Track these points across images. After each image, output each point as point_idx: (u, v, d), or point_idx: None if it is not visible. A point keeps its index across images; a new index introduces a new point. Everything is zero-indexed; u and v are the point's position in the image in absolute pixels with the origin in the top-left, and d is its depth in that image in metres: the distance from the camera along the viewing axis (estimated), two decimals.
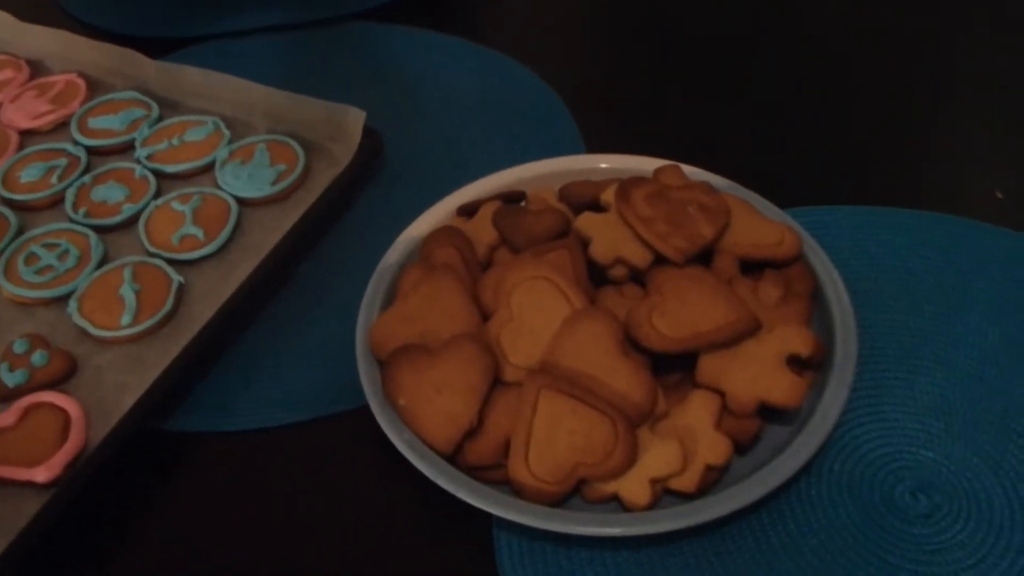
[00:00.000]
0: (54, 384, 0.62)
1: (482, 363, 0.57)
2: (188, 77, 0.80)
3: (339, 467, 0.60)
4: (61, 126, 0.80)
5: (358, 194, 0.74)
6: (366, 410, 0.58)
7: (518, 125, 0.81)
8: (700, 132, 0.79)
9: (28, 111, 0.80)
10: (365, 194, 0.74)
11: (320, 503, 0.58)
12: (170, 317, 0.65)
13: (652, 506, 0.53)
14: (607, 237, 0.61)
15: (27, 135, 0.79)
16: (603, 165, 0.70)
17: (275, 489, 0.59)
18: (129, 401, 0.60)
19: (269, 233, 0.70)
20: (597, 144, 0.76)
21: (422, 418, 0.56)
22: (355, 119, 0.73)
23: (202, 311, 0.65)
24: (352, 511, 0.58)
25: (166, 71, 0.80)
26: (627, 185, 0.62)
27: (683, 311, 0.57)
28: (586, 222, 0.62)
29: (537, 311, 0.58)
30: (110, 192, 0.73)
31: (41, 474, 0.57)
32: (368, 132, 0.73)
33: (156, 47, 0.85)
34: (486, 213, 0.66)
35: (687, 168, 0.66)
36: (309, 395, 0.63)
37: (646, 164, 0.69)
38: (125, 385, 0.62)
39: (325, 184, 0.72)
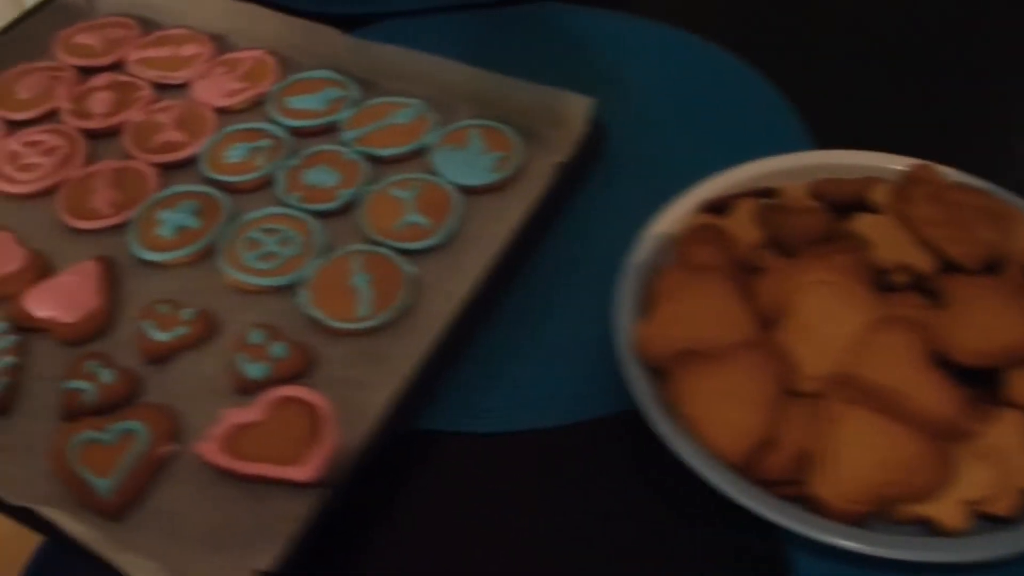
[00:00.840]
0: (294, 378, 0.60)
1: (771, 371, 0.54)
2: (386, 56, 0.76)
3: (596, 476, 0.57)
4: (255, 105, 0.77)
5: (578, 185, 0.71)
6: (624, 416, 0.55)
7: (726, 114, 0.77)
8: (933, 124, 0.75)
9: (220, 88, 0.77)
10: (583, 185, 0.71)
11: (576, 513, 0.55)
12: (404, 309, 0.62)
13: (966, 531, 0.50)
14: (889, 240, 0.57)
15: (220, 113, 0.76)
16: (851, 161, 0.66)
17: (526, 496, 0.56)
18: (379, 399, 0.58)
19: (492, 223, 0.67)
20: (827, 137, 0.73)
21: (709, 428, 0.53)
22: (579, 106, 0.70)
23: (438, 304, 0.62)
24: (614, 523, 0.55)
25: (362, 49, 0.77)
26: (907, 185, 0.59)
27: (987, 323, 0.54)
28: (864, 224, 0.58)
29: (827, 317, 0.55)
30: (321, 176, 0.70)
31: (301, 473, 0.54)
32: (592, 121, 0.70)
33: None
34: (743, 211, 0.62)
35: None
36: (558, 398, 0.60)
37: (886, 161, 0.65)
38: (366, 381, 0.59)
39: (545, 173, 0.68)
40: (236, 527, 0.53)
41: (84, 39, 0.83)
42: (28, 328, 0.63)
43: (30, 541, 0.55)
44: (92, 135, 0.75)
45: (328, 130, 0.75)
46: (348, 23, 0.83)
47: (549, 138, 0.71)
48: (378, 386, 0.58)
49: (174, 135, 0.74)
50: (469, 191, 0.69)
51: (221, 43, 0.82)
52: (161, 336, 0.61)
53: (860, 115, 0.76)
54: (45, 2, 0.86)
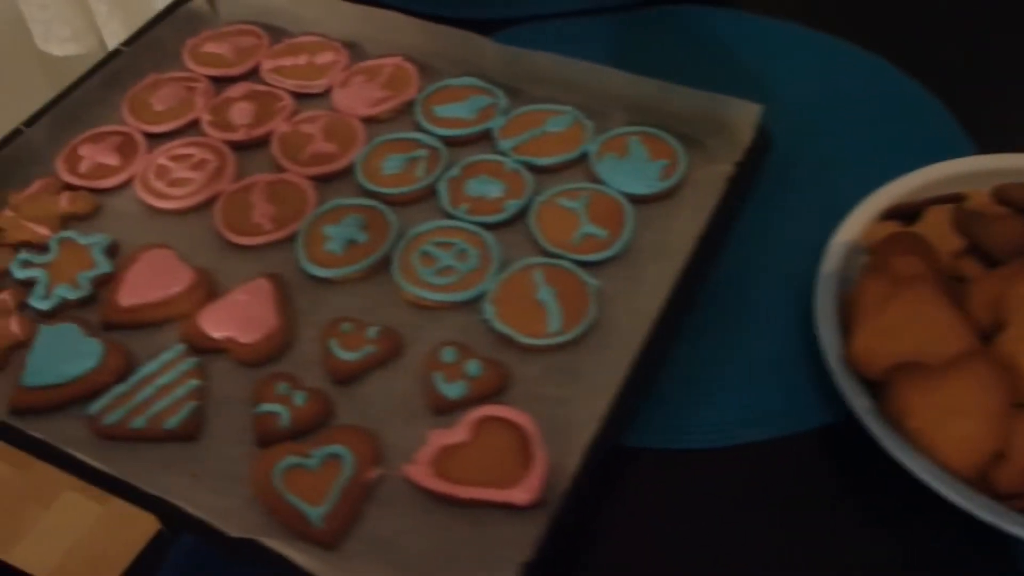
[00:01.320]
0: (490, 396, 0.58)
1: (998, 383, 0.53)
2: (534, 62, 0.75)
3: (805, 490, 0.56)
4: (399, 114, 0.75)
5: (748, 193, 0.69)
6: (829, 429, 0.55)
7: (876, 115, 0.76)
8: None
9: (364, 97, 0.76)
10: (753, 193, 0.70)
11: (787, 528, 0.54)
12: (593, 324, 0.61)
13: None
14: None
15: (366, 123, 0.75)
16: None
17: (735, 512, 0.55)
18: (584, 416, 0.56)
19: (667, 234, 0.66)
20: (986, 140, 0.72)
21: (937, 442, 0.52)
22: (746, 113, 0.68)
23: (627, 318, 0.61)
24: (828, 538, 0.54)
25: (509, 55, 0.75)
26: None
27: None
28: None
29: None
30: (484, 187, 0.69)
31: (521, 495, 0.53)
32: (758, 128, 0.69)
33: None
34: (937, 218, 0.61)
35: None
36: (760, 412, 0.59)
37: None
38: (566, 398, 0.58)
39: (716, 181, 0.67)
40: (457, 553, 0.52)
41: (214, 48, 0.81)
42: (205, 349, 0.62)
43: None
44: (237, 147, 0.73)
45: (479, 139, 0.73)
46: (480, 28, 0.81)
47: (711, 145, 0.70)
48: (580, 403, 0.57)
49: (325, 146, 0.72)
50: (637, 200, 0.68)
51: (354, 50, 0.81)
52: (348, 356, 0.60)
53: (1014, 118, 0.75)
54: (168, 10, 0.84)
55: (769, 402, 0.59)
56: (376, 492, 0.55)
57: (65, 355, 0.61)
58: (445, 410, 0.58)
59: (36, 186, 0.71)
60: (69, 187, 0.72)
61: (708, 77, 0.72)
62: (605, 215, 0.66)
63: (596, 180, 0.69)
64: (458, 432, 0.56)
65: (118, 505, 0.54)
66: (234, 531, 0.52)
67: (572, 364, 0.60)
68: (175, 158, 0.72)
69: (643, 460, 0.58)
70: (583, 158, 0.71)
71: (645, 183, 0.68)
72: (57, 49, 1.37)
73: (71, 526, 0.54)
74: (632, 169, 0.69)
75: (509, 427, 0.56)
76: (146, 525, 0.54)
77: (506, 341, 0.61)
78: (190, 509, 0.53)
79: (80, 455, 0.56)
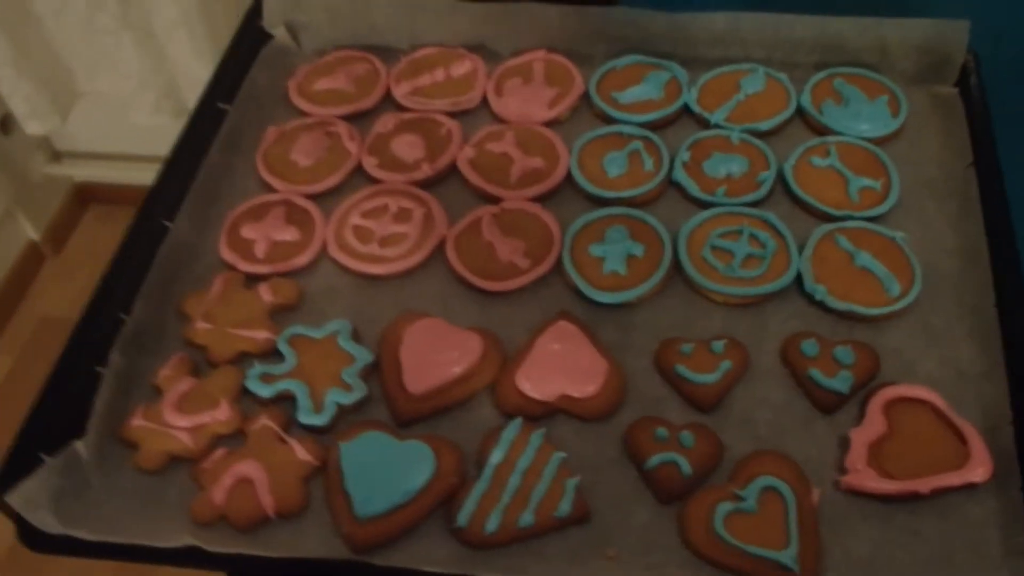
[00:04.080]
0: (870, 379, 0.54)
1: None
2: (711, 23, 0.69)
3: None
4: (577, 110, 0.69)
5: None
6: None
7: None
8: None
9: (533, 100, 0.68)
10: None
11: None
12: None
13: None
14: None
15: (549, 126, 0.67)
16: None
17: None
18: (976, 371, 0.54)
19: (926, 167, 0.64)
20: None
21: None
22: (951, 32, 0.66)
23: (947, 262, 0.59)
24: None
25: (681, 22, 0.69)
26: None
27: None
28: None
29: None
30: (726, 165, 0.64)
31: (979, 472, 0.50)
32: (967, 46, 0.67)
33: None
34: None
35: None
36: None
37: None
38: (944, 359, 0.55)
39: (944, 106, 0.65)
40: (945, 550, 0.48)
41: (327, 84, 0.70)
42: (536, 416, 0.54)
43: None
44: (424, 185, 0.64)
45: (678, 116, 0.67)
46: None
47: (918, 71, 0.68)
48: (962, 360, 0.55)
49: (530, 162, 0.64)
50: (878, 142, 0.65)
51: (485, 54, 0.72)
52: (707, 379, 0.54)
53: None
54: (246, 51, 0.72)
55: None
56: (821, 514, 0.50)
57: (390, 470, 0.51)
58: (835, 406, 0.53)
59: (218, 285, 0.60)
60: (253, 276, 0.60)
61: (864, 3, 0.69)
62: (862, 165, 0.63)
63: (826, 131, 0.65)
64: (876, 425, 0.52)
65: None
66: None
67: (923, 323, 0.56)
68: (368, 214, 0.62)
69: None
70: (799, 112, 0.67)
71: (882, 123, 0.65)
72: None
73: None
74: (858, 112, 0.66)
75: (916, 405, 0.53)
76: None
77: (849, 317, 0.56)
78: None
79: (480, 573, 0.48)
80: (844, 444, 0.52)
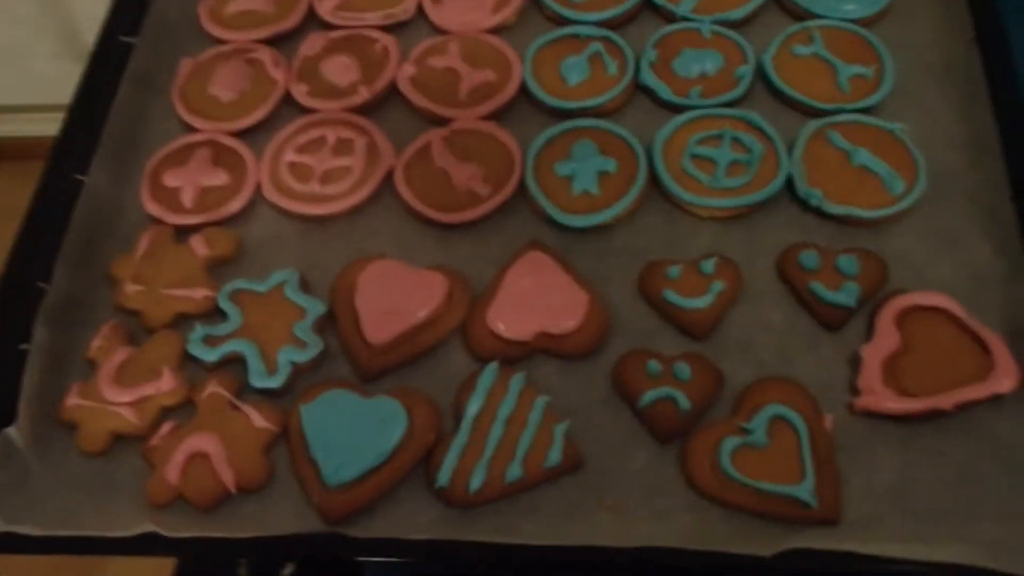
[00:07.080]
0: (877, 290, 0.50)
1: None
2: None
3: None
4: (524, 12, 0.62)
5: None
6: None
7: None
8: None
9: (474, 6, 0.61)
10: None
11: None
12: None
13: None
14: None
15: (496, 33, 0.61)
16: None
17: None
18: (994, 272, 0.50)
19: (926, 51, 0.58)
20: None
21: None
22: None
23: (950, 156, 0.54)
24: None
25: None
26: None
27: None
28: None
29: None
30: (698, 63, 0.58)
31: (1005, 382, 0.46)
32: None
33: None
34: None
35: None
36: None
37: None
38: (958, 263, 0.51)
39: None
40: (979, 469, 0.44)
41: (241, 5, 0.63)
42: (514, 359, 0.48)
43: None
44: (363, 111, 0.57)
45: (638, 11, 0.61)
46: None
47: None
48: (980, 262, 0.50)
49: (480, 75, 0.58)
50: (865, 23, 0.59)
51: None
52: (699, 303, 0.49)
53: None
54: None
55: None
56: (839, 441, 0.45)
57: (359, 431, 0.46)
58: (842, 322, 0.48)
59: (145, 242, 0.53)
60: (184, 229, 0.54)
61: None
62: (851, 50, 0.57)
63: (806, 15, 0.60)
64: (888, 339, 0.47)
65: None
66: (746, 547, 0.41)
67: (932, 224, 0.51)
68: (304, 149, 0.56)
69: None
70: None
71: (867, 4, 0.59)
72: None
73: None
74: None
75: (931, 314, 0.48)
76: None
77: (849, 223, 0.51)
78: (663, 544, 0.42)
79: (477, 538, 0.43)
80: (855, 363, 0.47)
